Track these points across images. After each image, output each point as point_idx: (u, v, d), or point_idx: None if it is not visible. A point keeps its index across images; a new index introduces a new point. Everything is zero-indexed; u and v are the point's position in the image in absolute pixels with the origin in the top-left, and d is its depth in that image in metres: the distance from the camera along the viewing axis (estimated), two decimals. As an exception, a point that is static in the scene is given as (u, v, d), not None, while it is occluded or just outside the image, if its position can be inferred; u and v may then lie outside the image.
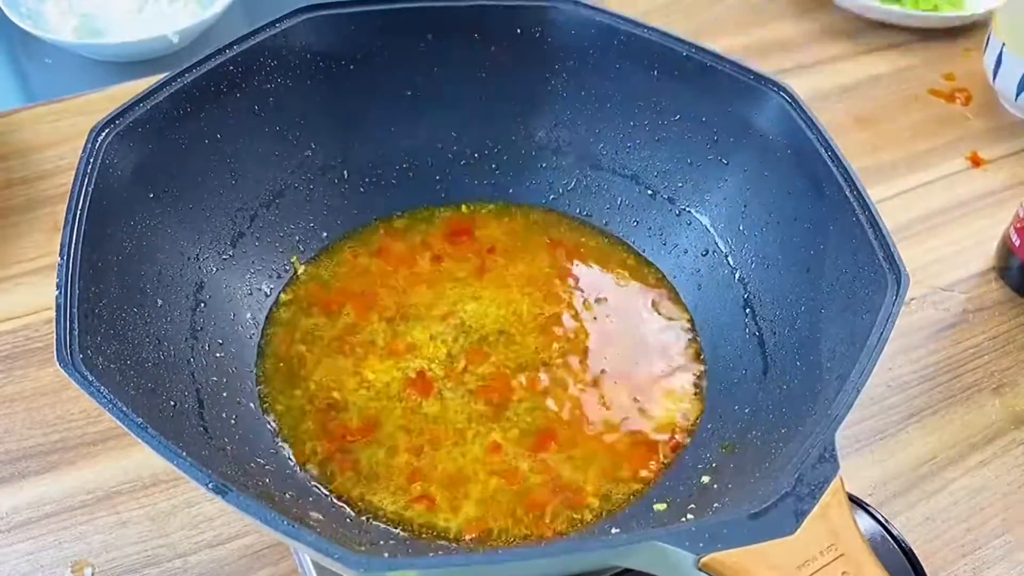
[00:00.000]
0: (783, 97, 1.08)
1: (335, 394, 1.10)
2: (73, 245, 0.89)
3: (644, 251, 1.26)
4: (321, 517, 0.96)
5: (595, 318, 1.19)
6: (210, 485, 0.75)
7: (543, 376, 1.13)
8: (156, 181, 1.05)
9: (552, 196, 1.30)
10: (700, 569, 0.73)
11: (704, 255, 1.21)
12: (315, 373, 1.12)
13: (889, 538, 1.02)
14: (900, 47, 1.91)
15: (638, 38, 1.16)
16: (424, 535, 1.00)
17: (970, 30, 1.96)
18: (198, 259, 1.11)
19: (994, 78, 1.70)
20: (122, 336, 0.93)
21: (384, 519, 1.00)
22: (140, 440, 0.77)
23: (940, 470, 1.21)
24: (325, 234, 1.24)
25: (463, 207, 1.30)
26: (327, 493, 1.02)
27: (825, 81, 1.82)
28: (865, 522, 1.03)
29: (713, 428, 1.08)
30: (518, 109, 1.26)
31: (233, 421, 1.03)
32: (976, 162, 1.65)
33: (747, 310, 1.14)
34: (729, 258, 1.18)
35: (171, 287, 1.05)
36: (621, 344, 1.17)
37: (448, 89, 1.23)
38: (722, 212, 1.20)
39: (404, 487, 1.03)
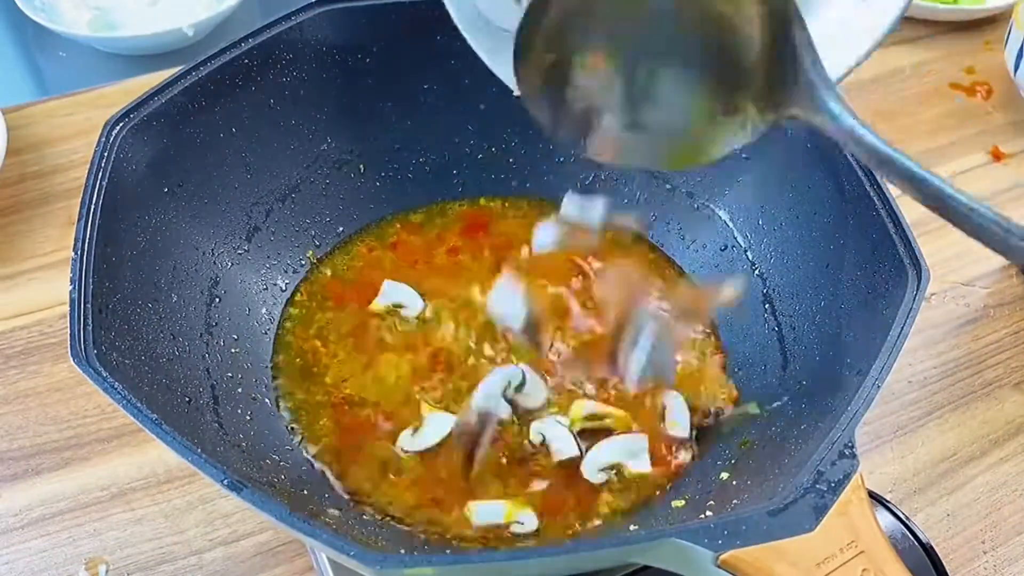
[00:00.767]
0: (803, 91, 1.08)
1: (350, 389, 1.10)
2: (87, 240, 0.89)
3: (663, 246, 1.25)
4: (338, 513, 0.96)
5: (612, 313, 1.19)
6: (225, 481, 0.75)
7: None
8: (171, 175, 1.05)
9: (570, 190, 1.29)
10: (719, 566, 0.72)
11: (723, 250, 1.20)
12: (331, 368, 1.12)
13: (909, 535, 1.01)
14: (921, 41, 1.90)
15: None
16: (435, 533, 0.99)
17: (991, 23, 1.95)
18: (213, 254, 1.10)
19: (1015, 71, 1.69)
20: (136, 332, 0.92)
21: (398, 516, 1.00)
22: (155, 436, 0.77)
23: (961, 466, 1.20)
24: (341, 228, 1.24)
25: (480, 201, 1.30)
26: (343, 490, 1.01)
27: (844, 75, 1.81)
28: (885, 519, 1.02)
29: (732, 423, 1.08)
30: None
31: (248, 417, 1.02)
32: (997, 156, 1.64)
33: (766, 305, 1.13)
34: (748, 253, 1.17)
35: (186, 282, 1.05)
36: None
37: (465, 83, 1.22)
38: (741, 207, 1.19)
39: (418, 483, 1.02)
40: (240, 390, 1.05)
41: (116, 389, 0.78)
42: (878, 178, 0.98)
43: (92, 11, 1.79)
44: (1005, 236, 0.62)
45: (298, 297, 1.17)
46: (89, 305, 0.84)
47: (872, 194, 0.97)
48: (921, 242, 0.92)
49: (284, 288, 1.18)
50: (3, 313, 1.28)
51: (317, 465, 1.03)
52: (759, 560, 0.71)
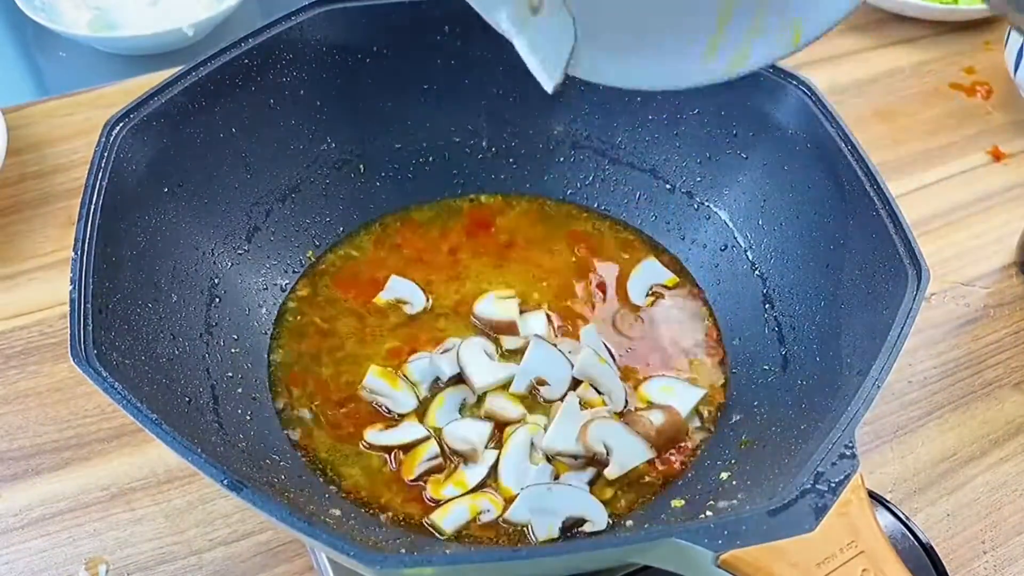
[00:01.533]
0: (803, 91, 1.08)
1: (349, 387, 1.10)
2: (87, 240, 0.89)
3: (663, 245, 1.25)
4: (338, 513, 0.96)
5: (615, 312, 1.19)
6: (225, 481, 0.75)
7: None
8: (171, 175, 1.05)
9: (569, 190, 1.30)
10: (719, 566, 0.72)
11: (723, 250, 1.20)
12: (330, 367, 1.12)
13: (909, 535, 1.01)
14: (920, 41, 1.90)
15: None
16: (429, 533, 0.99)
17: (991, 23, 1.95)
18: (213, 254, 1.10)
19: (1015, 71, 1.69)
20: (136, 332, 0.93)
21: (395, 516, 1.00)
22: (154, 436, 0.77)
23: (961, 466, 1.20)
24: (342, 228, 1.24)
25: (480, 199, 1.30)
26: (341, 489, 1.01)
27: (845, 75, 1.81)
28: (885, 519, 1.02)
29: (733, 423, 1.08)
30: (535, 102, 1.25)
31: (248, 416, 1.02)
32: (997, 156, 1.64)
33: (766, 305, 1.13)
34: (748, 253, 1.17)
35: (186, 282, 1.05)
36: (640, 339, 1.16)
37: (465, 82, 1.23)
38: (741, 207, 1.19)
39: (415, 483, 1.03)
40: (240, 390, 1.05)
41: (116, 389, 0.78)
42: (878, 178, 0.98)
43: (92, 11, 1.79)
44: None
45: (298, 296, 1.17)
46: (89, 305, 0.84)
47: (872, 194, 0.97)
48: (921, 242, 0.92)
49: (284, 288, 1.18)
50: (3, 313, 1.28)
51: (316, 464, 1.03)
52: (759, 560, 0.71)
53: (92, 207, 0.91)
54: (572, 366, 1.09)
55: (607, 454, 1.01)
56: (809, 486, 0.76)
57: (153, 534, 1.08)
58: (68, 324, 0.82)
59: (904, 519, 1.02)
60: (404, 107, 1.23)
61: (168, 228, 1.04)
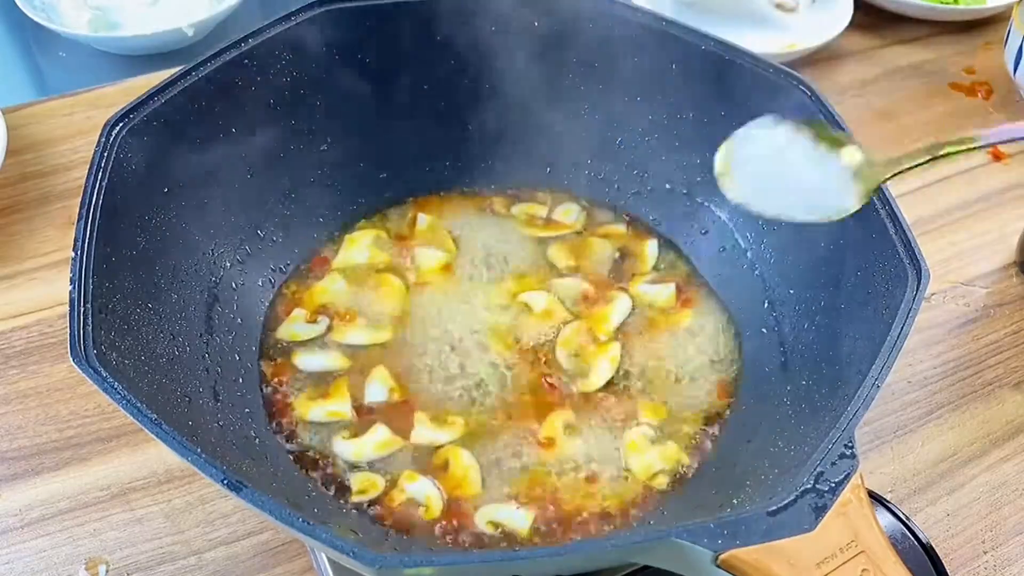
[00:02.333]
0: (803, 91, 1.08)
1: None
2: (87, 240, 0.89)
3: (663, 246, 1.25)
4: (344, 511, 0.96)
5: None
6: (224, 481, 0.75)
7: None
8: (170, 175, 1.05)
9: (567, 185, 1.30)
10: (718, 566, 0.72)
11: (722, 251, 1.20)
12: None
13: (909, 535, 1.01)
14: (920, 41, 1.90)
15: (656, 31, 1.15)
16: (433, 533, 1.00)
17: (990, 23, 1.95)
18: (213, 254, 1.10)
19: (1015, 71, 1.69)
20: (136, 332, 0.92)
21: (392, 517, 1.00)
22: (154, 436, 0.77)
23: (961, 466, 1.20)
24: (341, 227, 1.24)
25: (484, 193, 1.30)
26: (341, 488, 1.01)
27: (845, 75, 1.81)
28: (885, 519, 1.02)
29: (733, 423, 1.08)
30: (535, 102, 1.25)
31: (249, 416, 1.02)
32: (997, 156, 1.64)
33: (766, 305, 1.13)
34: (748, 253, 1.17)
35: (186, 282, 1.05)
36: (642, 339, 1.17)
37: (466, 82, 1.23)
38: (741, 207, 1.19)
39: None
40: (240, 390, 1.05)
41: (115, 389, 0.78)
42: (878, 178, 0.98)
43: (92, 11, 1.79)
44: None
45: (299, 296, 1.17)
46: (89, 305, 0.84)
47: (872, 195, 0.97)
48: (921, 242, 0.92)
49: (284, 287, 1.18)
50: (3, 313, 1.28)
51: (316, 463, 1.03)
52: (758, 560, 0.71)
53: (92, 207, 0.91)
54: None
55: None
56: (809, 486, 0.76)
57: (153, 534, 1.08)
58: (68, 324, 0.82)
59: (904, 519, 1.02)
60: (405, 106, 1.23)
61: (168, 228, 1.04)
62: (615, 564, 0.93)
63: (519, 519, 1.00)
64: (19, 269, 1.34)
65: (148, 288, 0.98)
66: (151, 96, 1.02)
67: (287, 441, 1.04)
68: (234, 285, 1.12)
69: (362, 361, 1.13)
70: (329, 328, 1.15)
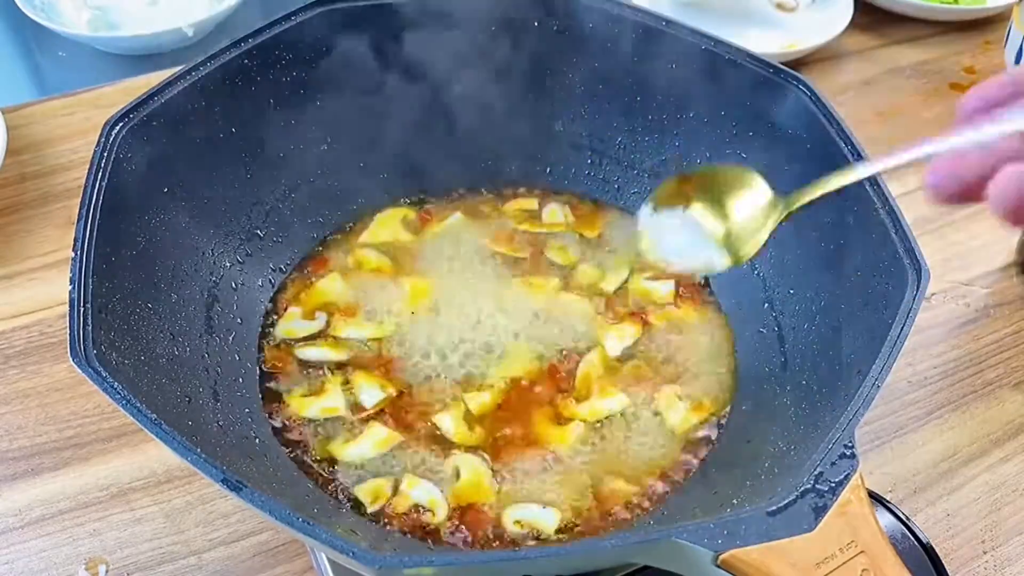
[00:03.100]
0: (802, 91, 1.08)
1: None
2: (87, 240, 0.89)
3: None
4: (343, 511, 0.96)
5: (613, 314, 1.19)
6: (224, 481, 0.75)
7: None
8: (170, 175, 1.05)
9: (567, 184, 1.30)
10: (718, 566, 0.72)
11: (722, 251, 1.20)
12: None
13: (909, 535, 1.01)
14: (920, 40, 1.90)
15: (656, 31, 1.15)
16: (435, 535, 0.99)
17: (991, 23, 1.95)
18: (213, 254, 1.10)
19: (1015, 71, 1.69)
20: (136, 332, 0.92)
21: (398, 520, 1.00)
22: (154, 436, 0.77)
23: (961, 466, 1.20)
24: (341, 227, 1.24)
25: (481, 192, 1.30)
26: (339, 488, 1.01)
27: (845, 75, 1.81)
28: (885, 519, 1.02)
29: (733, 423, 1.08)
30: (536, 102, 1.25)
31: (249, 417, 1.02)
32: (997, 156, 1.64)
33: (766, 305, 1.13)
34: (748, 253, 1.17)
35: (186, 282, 1.05)
36: (642, 337, 1.17)
37: (467, 82, 1.23)
38: (740, 207, 1.19)
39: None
40: (240, 390, 1.05)
41: (115, 389, 0.78)
42: (878, 178, 0.97)
43: (92, 11, 1.79)
44: None
45: (299, 296, 1.17)
46: (88, 305, 0.84)
47: (872, 194, 0.97)
48: (921, 242, 0.92)
49: (284, 287, 1.18)
50: (3, 313, 1.28)
51: (315, 463, 1.03)
52: (758, 560, 0.71)
53: (92, 207, 0.91)
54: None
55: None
56: (809, 486, 0.76)
57: (153, 534, 1.08)
58: (68, 324, 0.82)
59: (904, 519, 1.02)
60: (405, 106, 1.23)
61: (168, 228, 1.04)
62: (615, 564, 0.92)
63: (546, 518, 1.00)
64: (19, 269, 1.34)
65: (148, 288, 0.98)
66: (151, 96, 1.02)
67: (287, 441, 1.04)
68: (234, 285, 1.12)
69: (361, 356, 1.13)
70: (328, 324, 1.15)
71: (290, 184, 1.19)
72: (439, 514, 1.00)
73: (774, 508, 0.74)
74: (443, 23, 1.18)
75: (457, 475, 1.03)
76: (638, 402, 1.10)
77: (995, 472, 1.19)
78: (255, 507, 0.74)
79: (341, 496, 1.01)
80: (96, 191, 0.92)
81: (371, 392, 1.09)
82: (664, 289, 1.21)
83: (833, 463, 0.77)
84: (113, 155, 0.96)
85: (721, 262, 0.95)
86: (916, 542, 1.01)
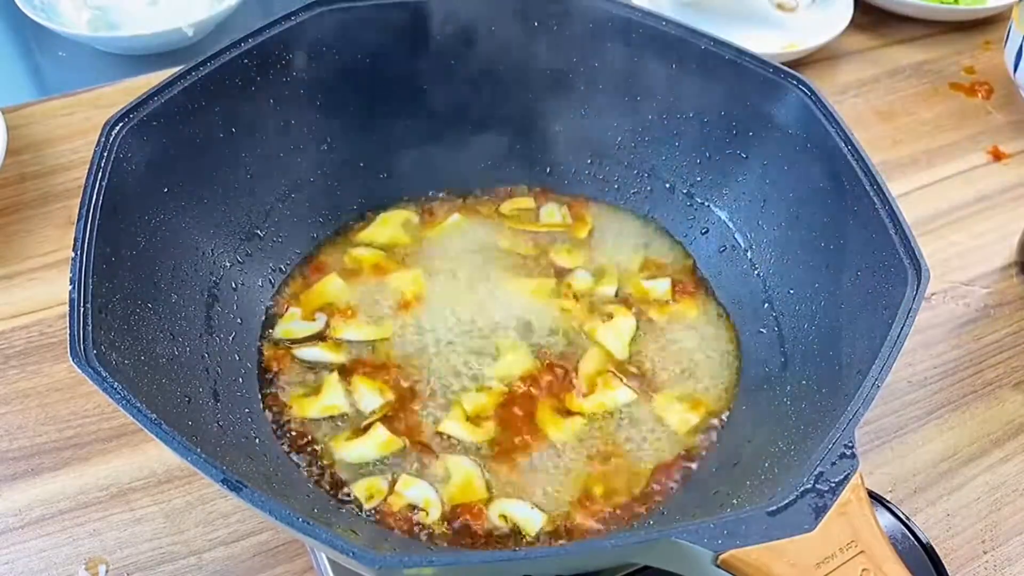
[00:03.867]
0: (802, 91, 1.08)
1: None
2: (87, 240, 0.89)
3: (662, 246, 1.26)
4: (343, 511, 0.96)
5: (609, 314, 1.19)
6: (224, 481, 0.75)
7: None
8: (170, 175, 1.05)
9: (567, 184, 1.30)
10: (718, 566, 0.72)
11: (722, 251, 1.20)
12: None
13: (909, 535, 1.01)
14: (920, 40, 1.90)
15: (656, 31, 1.15)
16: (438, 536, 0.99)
17: (990, 23, 1.95)
18: (213, 254, 1.10)
19: (1015, 71, 1.69)
20: (136, 332, 0.92)
21: (393, 519, 1.00)
22: (154, 436, 0.77)
23: (961, 466, 1.20)
24: (341, 227, 1.24)
25: (476, 193, 1.30)
26: (340, 488, 1.01)
27: (845, 75, 1.81)
28: (885, 519, 1.02)
29: (733, 423, 1.08)
30: (536, 103, 1.25)
31: (249, 416, 1.02)
32: (997, 156, 1.64)
33: (766, 305, 1.13)
34: (748, 253, 1.17)
35: (186, 282, 1.05)
36: (643, 336, 1.17)
37: (466, 83, 1.23)
38: (740, 207, 1.19)
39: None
40: (240, 390, 1.05)
41: (115, 389, 0.78)
42: (878, 178, 0.98)
43: (92, 11, 1.79)
44: None
45: (298, 296, 1.17)
46: (88, 305, 0.84)
47: (872, 194, 0.97)
48: (921, 242, 0.92)
49: (284, 287, 1.18)
50: (3, 313, 1.28)
51: (315, 463, 1.03)
52: (758, 560, 0.71)
53: (92, 207, 0.91)
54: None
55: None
56: (809, 486, 0.76)
57: (153, 534, 1.08)
58: (68, 324, 0.82)
59: (904, 519, 1.02)
60: (404, 107, 1.23)
61: (168, 228, 1.04)
62: (615, 564, 0.92)
63: (533, 517, 1.00)
64: (19, 269, 1.34)
65: (148, 288, 0.98)
66: (151, 96, 1.02)
67: (287, 441, 1.04)
68: (234, 285, 1.12)
69: (360, 357, 1.13)
70: (327, 325, 1.15)
71: (290, 184, 1.19)
72: (432, 514, 1.00)
73: (774, 508, 0.74)
74: (443, 23, 1.18)
75: (448, 476, 1.03)
76: (638, 401, 1.10)
77: (995, 472, 1.19)
78: (255, 507, 0.74)
79: (341, 496, 1.01)
80: (96, 191, 0.92)
81: (371, 398, 1.08)
82: (661, 287, 1.21)
83: (833, 463, 0.77)
84: (113, 155, 0.96)
85: None
86: (916, 542, 1.01)
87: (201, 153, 1.08)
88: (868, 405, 0.81)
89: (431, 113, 1.24)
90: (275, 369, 1.10)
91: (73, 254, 0.87)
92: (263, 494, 0.75)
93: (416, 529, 0.99)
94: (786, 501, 0.75)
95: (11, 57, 1.88)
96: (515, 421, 1.08)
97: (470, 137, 1.27)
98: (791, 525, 0.73)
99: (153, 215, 1.02)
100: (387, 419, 1.07)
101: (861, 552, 0.73)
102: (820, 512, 0.74)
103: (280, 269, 1.18)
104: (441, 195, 1.30)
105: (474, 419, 1.07)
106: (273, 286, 1.17)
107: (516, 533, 0.99)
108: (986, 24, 1.95)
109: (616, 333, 1.16)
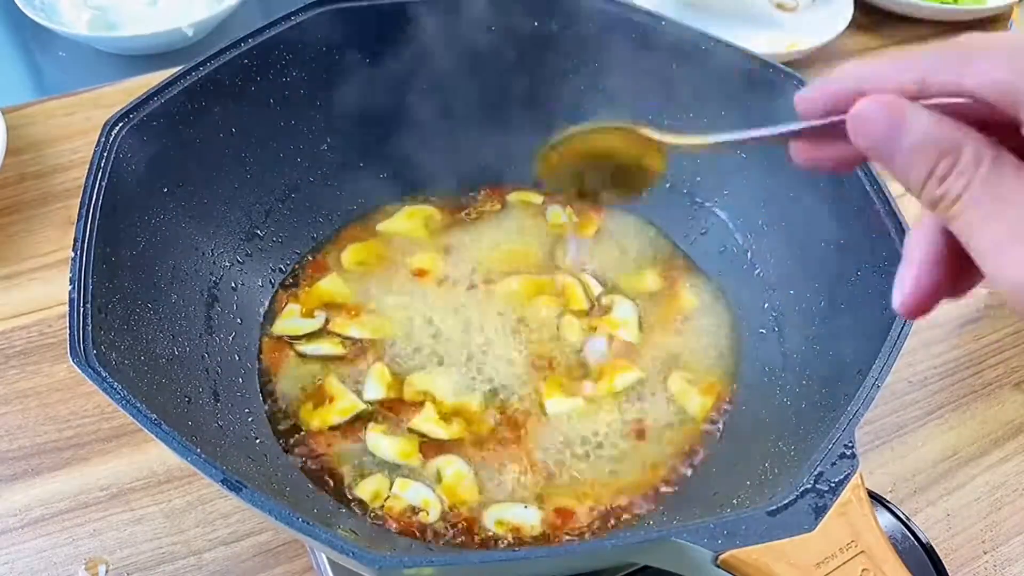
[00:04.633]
0: (803, 90, 1.08)
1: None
2: (87, 240, 0.89)
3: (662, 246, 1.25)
4: (339, 514, 0.96)
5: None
6: (224, 481, 0.75)
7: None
8: (170, 175, 1.05)
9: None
10: (718, 566, 0.72)
11: (722, 251, 1.20)
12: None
13: (909, 535, 1.01)
14: (920, 41, 1.89)
15: (656, 31, 1.15)
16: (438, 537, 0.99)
17: (990, 23, 1.95)
18: (213, 254, 1.10)
19: (1015, 71, 1.69)
20: (136, 332, 0.92)
21: (393, 520, 1.00)
22: (154, 436, 0.77)
23: (961, 466, 1.20)
24: (341, 227, 1.24)
25: (480, 193, 1.30)
26: (340, 488, 1.01)
27: (845, 75, 1.80)
28: (885, 519, 1.02)
29: (733, 423, 1.08)
30: (535, 102, 1.25)
31: (249, 416, 1.02)
32: (997, 156, 1.64)
33: (766, 305, 1.13)
34: (748, 253, 1.17)
35: (186, 282, 1.05)
36: (644, 336, 1.17)
37: (465, 83, 1.23)
38: (741, 207, 1.19)
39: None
40: (240, 390, 1.05)
41: (115, 389, 0.78)
42: (878, 178, 0.97)
43: (92, 11, 1.79)
44: None
45: (298, 295, 1.17)
46: (88, 305, 0.84)
47: (872, 194, 0.97)
48: (921, 242, 0.92)
49: (283, 286, 1.18)
50: (3, 313, 1.28)
51: (315, 463, 1.03)
52: (758, 560, 0.71)
53: (92, 207, 0.91)
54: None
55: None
56: (809, 486, 0.76)
57: (153, 534, 1.08)
58: (68, 324, 0.82)
59: (904, 519, 1.02)
60: (404, 107, 1.23)
61: (168, 228, 1.04)
62: (615, 564, 0.92)
63: (527, 515, 1.00)
64: (19, 269, 1.34)
65: (148, 288, 0.98)
66: (151, 96, 1.02)
67: (287, 441, 1.04)
68: (234, 285, 1.12)
69: (360, 357, 1.13)
70: (327, 323, 1.15)
71: (290, 184, 1.19)
72: (433, 514, 1.00)
73: (774, 508, 0.74)
74: (443, 23, 1.18)
75: (440, 477, 1.03)
76: (638, 396, 1.10)
77: (995, 472, 1.19)
78: (255, 507, 0.74)
79: (341, 496, 1.01)
80: (96, 191, 0.92)
81: (374, 387, 1.09)
82: (661, 287, 1.21)
83: (833, 463, 0.77)
84: (113, 155, 0.96)
85: None
86: (916, 542, 1.01)
87: (201, 153, 1.08)
88: (868, 405, 0.81)
89: (431, 113, 1.24)
90: (275, 368, 1.10)
91: (73, 254, 0.87)
92: (263, 494, 0.75)
93: (416, 529, 0.99)
94: (786, 501, 0.75)
95: (11, 57, 1.88)
96: (515, 420, 1.08)
97: (470, 137, 1.27)
98: (791, 525, 0.73)
99: (153, 215, 1.02)
100: (387, 419, 1.07)
101: (861, 552, 0.73)
102: (820, 512, 0.74)
103: (280, 269, 1.18)
104: (441, 195, 1.30)
105: (474, 419, 1.07)
106: (273, 286, 1.17)
107: (516, 533, 0.99)
108: (986, 24, 1.95)
109: (612, 328, 1.16)
